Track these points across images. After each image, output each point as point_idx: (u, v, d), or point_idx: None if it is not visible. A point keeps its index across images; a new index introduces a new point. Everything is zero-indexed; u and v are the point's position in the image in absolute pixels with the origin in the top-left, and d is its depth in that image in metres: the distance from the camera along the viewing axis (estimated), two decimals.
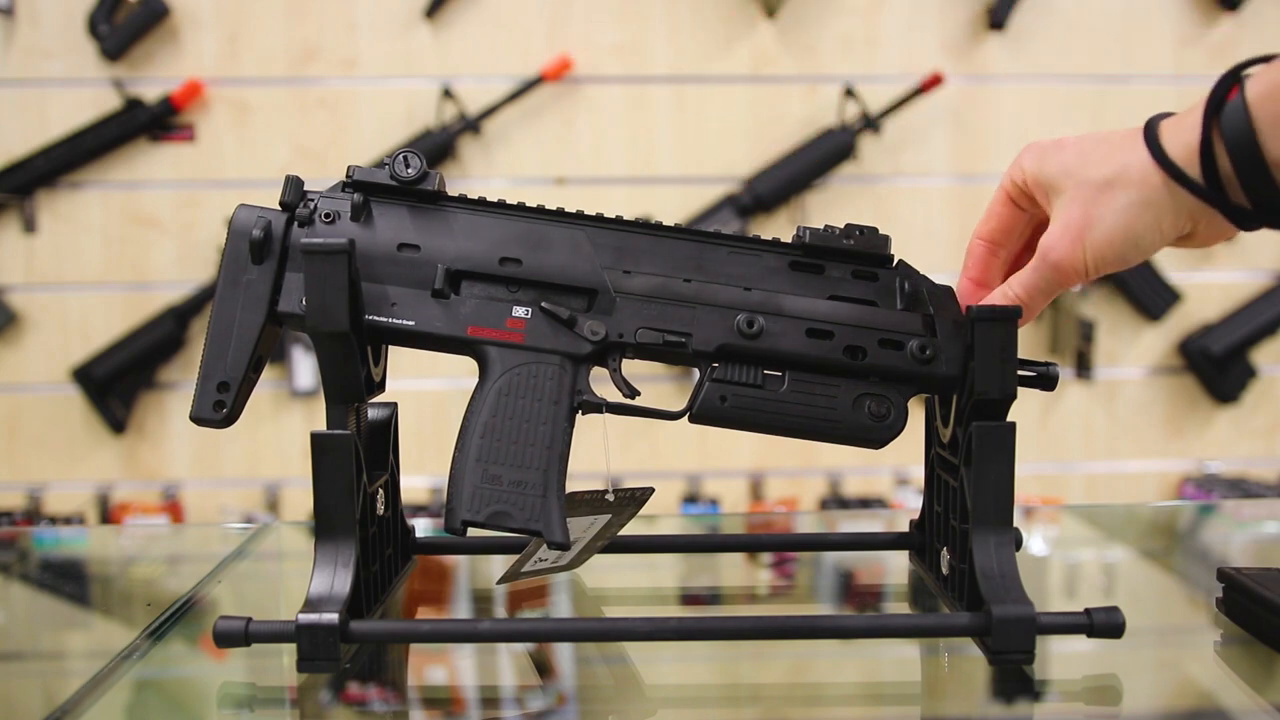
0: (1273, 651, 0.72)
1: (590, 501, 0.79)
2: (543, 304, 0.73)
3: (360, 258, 0.72)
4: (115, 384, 2.18)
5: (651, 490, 0.82)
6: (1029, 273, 0.71)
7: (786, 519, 1.51)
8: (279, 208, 0.73)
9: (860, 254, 0.74)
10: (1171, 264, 2.27)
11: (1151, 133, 0.66)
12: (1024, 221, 0.75)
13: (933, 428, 0.80)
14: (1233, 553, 1.08)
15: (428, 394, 2.17)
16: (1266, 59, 0.63)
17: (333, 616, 0.66)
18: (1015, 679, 0.70)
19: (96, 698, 0.69)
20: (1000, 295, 0.72)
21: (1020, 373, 0.71)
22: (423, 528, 0.89)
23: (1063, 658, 0.74)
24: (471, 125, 2.18)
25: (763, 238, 0.75)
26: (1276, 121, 0.61)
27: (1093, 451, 2.34)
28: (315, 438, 0.69)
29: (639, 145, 2.25)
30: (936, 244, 2.26)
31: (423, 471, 2.19)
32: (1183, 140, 0.65)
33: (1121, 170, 0.66)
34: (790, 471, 2.29)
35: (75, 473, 2.24)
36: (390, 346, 0.77)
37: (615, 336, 0.73)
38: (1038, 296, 0.71)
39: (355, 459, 0.70)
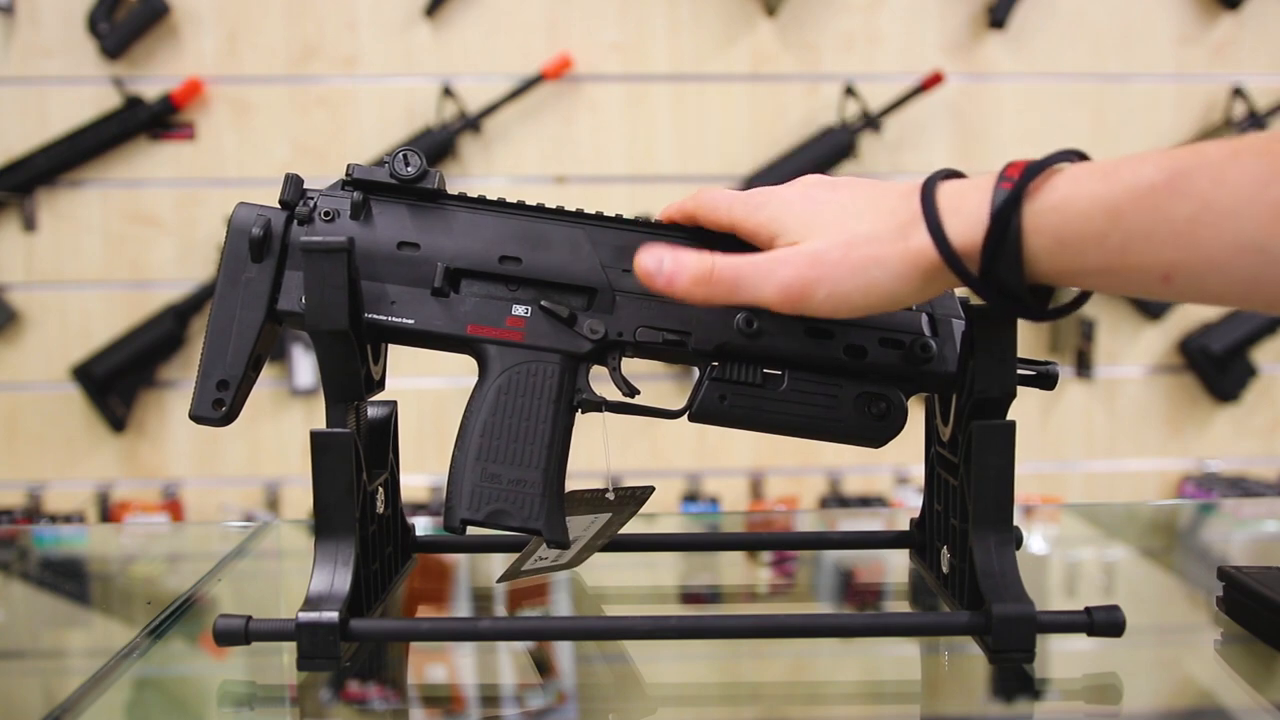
0: (1273, 650, 0.72)
1: (590, 500, 0.79)
2: (542, 302, 0.73)
3: (360, 256, 0.72)
4: (115, 382, 2.18)
5: (651, 489, 0.82)
6: (748, 265, 0.63)
7: (786, 518, 1.51)
8: (279, 206, 0.73)
9: None
10: None
11: (932, 211, 0.60)
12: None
13: (933, 426, 0.80)
14: (1233, 551, 1.08)
15: (427, 392, 2.17)
16: (1071, 153, 0.59)
17: (333, 615, 0.66)
18: (1015, 678, 0.70)
19: (96, 696, 0.69)
20: (697, 257, 0.64)
21: (1020, 371, 0.71)
22: (423, 526, 0.89)
23: (1063, 656, 0.74)
24: (471, 124, 2.18)
25: None
26: (1053, 241, 0.57)
27: (1093, 450, 2.34)
28: (315, 436, 0.69)
29: (639, 144, 2.25)
30: None
31: (422, 470, 2.19)
32: (967, 230, 0.59)
33: (897, 234, 0.60)
34: (790, 470, 2.29)
35: (75, 471, 2.24)
36: (390, 345, 0.77)
37: (615, 335, 0.73)
38: (727, 291, 0.64)
39: (355, 457, 0.70)
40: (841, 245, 0.61)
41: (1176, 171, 0.54)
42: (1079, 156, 0.60)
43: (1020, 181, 0.58)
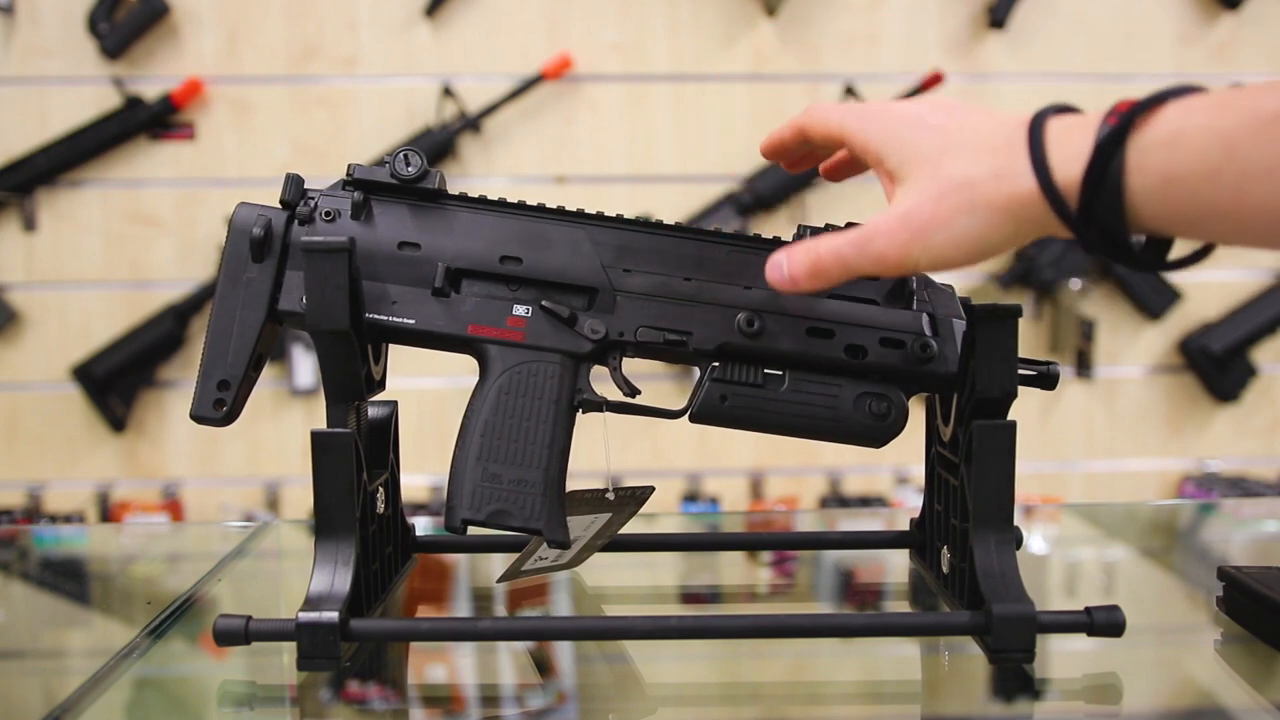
0: (1273, 650, 0.72)
1: (590, 500, 0.79)
2: (543, 302, 0.73)
3: (360, 256, 0.72)
4: (115, 382, 2.18)
5: (652, 489, 0.82)
6: (846, 245, 0.62)
7: (786, 517, 1.51)
8: (279, 206, 0.73)
9: None
10: None
11: (1038, 144, 0.58)
12: (806, 150, 0.71)
13: (933, 426, 0.80)
14: (1233, 551, 1.08)
15: (428, 392, 2.17)
16: (1191, 89, 0.55)
17: (333, 615, 0.66)
18: (1015, 678, 0.70)
19: (96, 696, 0.69)
20: (804, 251, 0.64)
21: (1021, 371, 0.71)
22: (423, 526, 0.89)
23: (1063, 656, 0.74)
24: (472, 123, 2.18)
25: (763, 236, 0.75)
26: (1161, 179, 0.54)
27: (1093, 450, 2.33)
28: (315, 436, 0.69)
29: (639, 143, 2.25)
30: None
31: (423, 470, 2.19)
32: (1068, 167, 0.56)
33: (992, 175, 0.58)
34: (790, 470, 2.29)
35: (75, 471, 2.24)
36: (390, 345, 0.77)
37: (615, 335, 0.73)
38: (840, 272, 0.63)
39: (355, 457, 0.70)
40: (931, 198, 0.60)
41: None
42: (1197, 92, 0.55)
43: (1127, 114, 0.55)
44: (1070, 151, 0.56)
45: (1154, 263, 0.58)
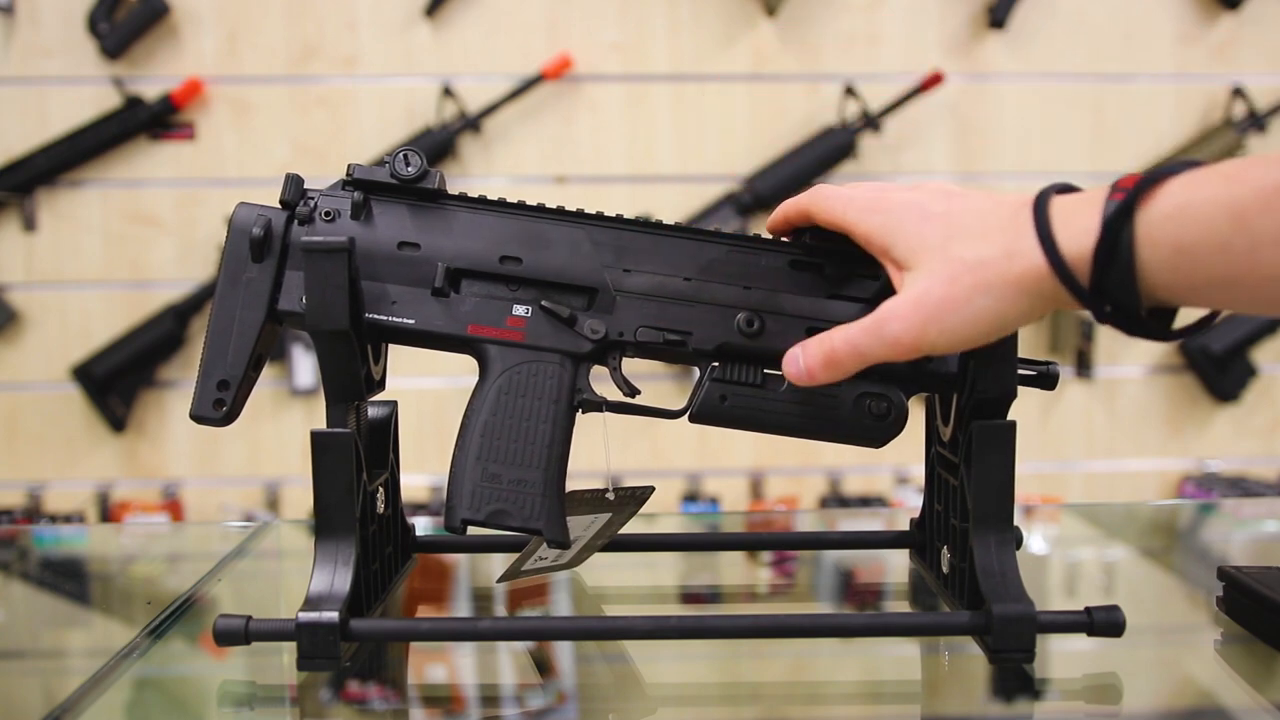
0: (1273, 650, 0.72)
1: (590, 500, 0.79)
2: (543, 303, 0.73)
3: (360, 256, 0.72)
4: (115, 382, 2.18)
5: (652, 489, 0.82)
6: (859, 333, 0.63)
7: (786, 517, 1.51)
8: (279, 206, 0.73)
9: (861, 253, 0.74)
10: None
11: (1044, 222, 0.58)
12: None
13: (933, 426, 0.80)
14: (1233, 551, 1.08)
15: (428, 392, 2.17)
16: (1192, 164, 0.56)
17: (333, 615, 0.66)
18: (1015, 678, 0.70)
19: (96, 696, 0.69)
20: (818, 344, 0.65)
21: (1020, 371, 0.71)
22: (423, 526, 0.89)
23: (1063, 656, 0.74)
24: (472, 123, 2.18)
25: (763, 236, 0.75)
26: (1171, 251, 0.55)
27: (1093, 450, 2.34)
28: (315, 436, 0.69)
29: (639, 143, 2.25)
30: None
31: (423, 470, 2.19)
32: (1077, 242, 0.57)
33: (1004, 255, 0.59)
34: (790, 470, 2.29)
35: (75, 471, 2.24)
36: (390, 345, 0.77)
37: (615, 335, 0.73)
38: (855, 362, 0.64)
39: (355, 457, 0.70)
40: (945, 280, 0.60)
41: None
42: (1198, 166, 0.57)
43: (1133, 191, 0.56)
44: (1077, 228, 0.57)
45: (1161, 332, 0.59)
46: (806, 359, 0.66)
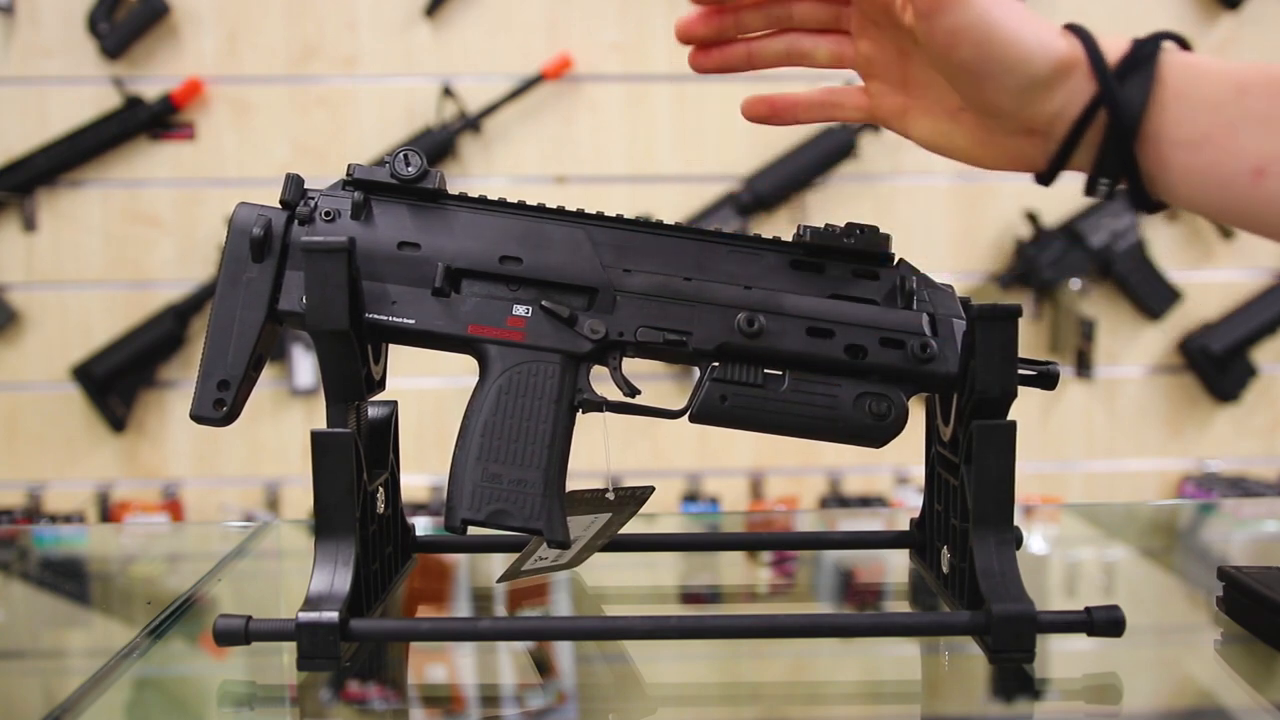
0: (1273, 650, 0.72)
1: (590, 500, 0.79)
2: (543, 302, 0.73)
3: (360, 256, 0.72)
4: (115, 382, 2.18)
5: (652, 489, 0.82)
6: None
7: (786, 517, 1.51)
8: (279, 206, 0.73)
9: (861, 253, 0.74)
10: (1172, 263, 2.27)
11: (1080, 28, 0.66)
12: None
13: (933, 426, 0.80)
14: (1233, 551, 1.08)
15: (428, 392, 2.17)
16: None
17: (333, 615, 0.66)
18: (1015, 677, 0.70)
19: (96, 696, 0.69)
20: None
21: (1021, 371, 0.71)
22: (423, 526, 0.89)
23: (1063, 656, 0.74)
24: (472, 123, 2.18)
25: (763, 236, 0.75)
26: (1174, 94, 0.61)
27: (1093, 450, 2.33)
28: (315, 436, 0.69)
29: (639, 143, 2.25)
30: (937, 243, 2.26)
31: (423, 470, 2.19)
32: (1109, 49, 0.65)
33: (1037, 29, 0.64)
34: (790, 470, 2.29)
35: (75, 471, 2.24)
36: (390, 345, 0.77)
37: (615, 335, 0.73)
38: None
39: (355, 457, 0.70)
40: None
41: None
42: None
43: (1163, 34, 0.64)
44: (1109, 44, 0.64)
45: (1139, 185, 0.63)
46: None
